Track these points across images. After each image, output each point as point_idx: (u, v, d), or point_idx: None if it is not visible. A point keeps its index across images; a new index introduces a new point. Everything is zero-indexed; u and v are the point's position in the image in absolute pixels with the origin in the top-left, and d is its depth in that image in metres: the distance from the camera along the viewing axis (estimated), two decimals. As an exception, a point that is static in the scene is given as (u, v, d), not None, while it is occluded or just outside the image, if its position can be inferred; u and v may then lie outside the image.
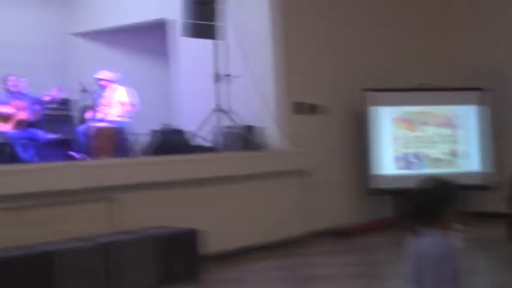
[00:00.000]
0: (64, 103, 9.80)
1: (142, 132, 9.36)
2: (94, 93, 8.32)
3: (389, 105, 8.84)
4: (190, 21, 7.72)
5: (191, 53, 8.67)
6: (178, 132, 8.04)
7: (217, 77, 7.83)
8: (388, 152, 8.76)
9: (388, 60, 9.08)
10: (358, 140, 8.75)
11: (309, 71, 8.24)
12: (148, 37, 10.40)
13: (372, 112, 8.69)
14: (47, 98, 8.02)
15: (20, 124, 7.88)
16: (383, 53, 9.03)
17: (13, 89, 7.95)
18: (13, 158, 7.71)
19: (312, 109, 8.34)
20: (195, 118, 7.95)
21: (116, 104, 8.36)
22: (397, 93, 8.92)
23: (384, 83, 8.79)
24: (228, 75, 7.77)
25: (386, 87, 8.80)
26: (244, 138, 7.76)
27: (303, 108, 8.25)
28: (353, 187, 8.66)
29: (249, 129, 7.88)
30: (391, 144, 8.78)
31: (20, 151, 7.68)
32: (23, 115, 7.90)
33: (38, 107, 8.04)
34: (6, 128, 7.77)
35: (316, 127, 8.30)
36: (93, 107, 8.37)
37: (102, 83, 8.34)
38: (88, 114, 8.37)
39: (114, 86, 8.46)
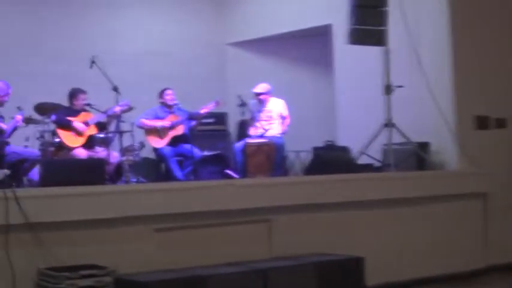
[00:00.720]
0: (220, 118, 10.39)
1: (302, 149, 9.63)
2: (252, 107, 8.72)
3: None
4: (356, 26, 7.76)
5: (356, 61, 8.76)
6: (343, 150, 8.12)
7: (388, 88, 7.77)
8: None
9: None
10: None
11: (489, 81, 7.99)
12: (308, 45, 10.63)
13: None
14: (202, 112, 8.51)
15: (175, 140, 8.43)
16: None
17: (169, 103, 8.53)
18: (167, 176, 8.29)
19: (499, 123, 8.08)
20: (360, 134, 8.00)
21: (275, 119, 8.70)
22: None
23: None
24: (400, 86, 7.71)
25: None
26: (418, 157, 7.69)
27: (487, 123, 8.02)
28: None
29: (423, 146, 7.78)
30: None
31: (174, 168, 8.22)
32: (178, 130, 8.44)
33: (193, 122, 8.54)
34: (161, 144, 8.34)
35: (502, 144, 8.02)
36: (251, 122, 8.79)
37: (261, 97, 8.71)
38: (246, 130, 8.78)
39: (273, 99, 8.81)
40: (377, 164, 7.74)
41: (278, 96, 8.90)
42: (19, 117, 7.41)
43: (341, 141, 8.96)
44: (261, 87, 8.74)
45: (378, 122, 7.79)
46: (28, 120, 7.63)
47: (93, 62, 7.69)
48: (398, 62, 7.74)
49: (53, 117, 7.72)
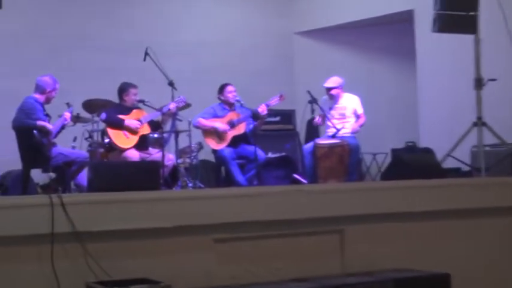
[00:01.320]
0: (287, 116, 10.38)
1: (380, 151, 9.54)
2: (323, 103, 8.66)
3: None
4: (442, 12, 7.64)
5: (442, 52, 8.65)
6: (426, 152, 8.03)
7: (478, 82, 7.62)
8: None
9: None
10: None
11: None
12: (386, 34, 10.56)
13: None
14: (264, 107, 8.47)
15: (237, 141, 8.44)
16: None
17: (231, 100, 8.54)
18: (228, 181, 8.32)
19: None
20: (445, 134, 7.90)
21: (349, 117, 8.62)
22: None
23: None
24: (493, 80, 7.54)
25: None
26: (512, 160, 7.54)
27: None
28: None
29: (519, 148, 7.64)
30: None
31: (235, 172, 8.24)
32: (240, 130, 8.45)
33: (257, 121, 8.54)
34: (220, 145, 8.37)
35: None
36: (322, 121, 8.74)
37: (333, 92, 8.64)
38: (316, 129, 8.73)
39: (346, 95, 8.74)
40: (465, 168, 7.62)
41: (352, 92, 8.82)
42: (68, 114, 7.54)
43: (424, 142, 8.86)
44: (333, 81, 8.68)
45: (467, 120, 7.67)
46: (76, 119, 7.77)
47: (146, 54, 7.75)
48: (490, 52, 7.60)
49: (103, 115, 7.82)
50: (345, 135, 8.45)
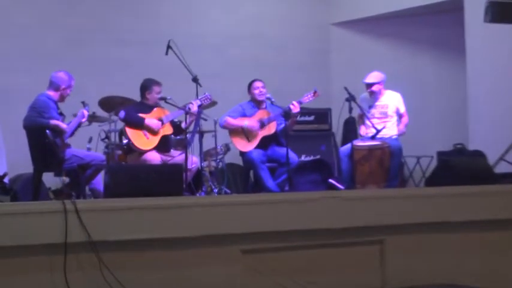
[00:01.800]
0: (322, 115, 10.36)
1: (424, 154, 9.48)
2: (362, 101, 8.62)
3: None
4: (496, 0, 7.59)
5: (494, 44, 8.57)
6: (476, 155, 7.96)
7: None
8: None
9: None
10: None
11: None
12: (433, 25, 10.49)
13: None
14: (297, 108, 8.38)
15: (267, 142, 8.42)
16: None
17: (259, 98, 8.53)
18: (257, 186, 8.30)
19: None
20: (498, 135, 7.84)
21: (390, 116, 8.57)
22: None
23: None
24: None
25: None
26: None
27: None
28: None
29: None
30: None
31: (265, 177, 8.22)
32: (270, 130, 8.43)
33: (289, 120, 8.48)
34: (249, 147, 8.35)
35: None
36: (360, 120, 8.71)
37: (374, 88, 8.58)
38: (354, 130, 8.69)
39: (388, 92, 8.69)
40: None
41: (394, 89, 8.77)
42: (85, 112, 7.56)
43: (474, 145, 8.78)
44: (374, 77, 8.63)
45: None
46: (92, 118, 7.81)
47: (169, 47, 7.75)
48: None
49: (122, 113, 7.84)
50: (386, 136, 8.40)
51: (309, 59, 10.93)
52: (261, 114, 8.46)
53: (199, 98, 7.88)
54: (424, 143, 9.60)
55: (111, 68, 9.79)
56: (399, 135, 8.55)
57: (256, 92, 8.51)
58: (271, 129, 8.40)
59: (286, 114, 8.19)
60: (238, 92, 8.96)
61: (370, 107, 8.60)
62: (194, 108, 7.81)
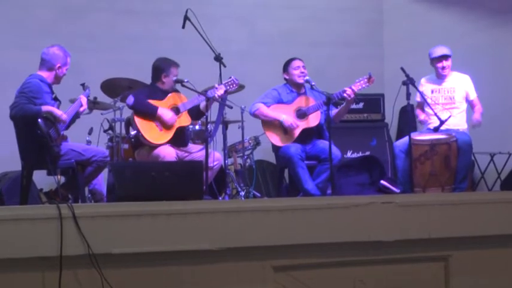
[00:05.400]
0: (374, 102, 10.33)
1: (500, 151, 9.41)
2: (421, 85, 8.60)
3: None
4: None
5: None
6: None
7: None
8: None
9: None
10: None
11: None
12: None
13: None
14: (349, 94, 8.23)
15: (307, 135, 8.41)
16: None
17: (298, 81, 8.44)
18: (294, 188, 8.30)
19: None
20: None
21: (459, 103, 8.52)
22: None
23: None
24: None
25: None
26: None
27: None
28: None
29: None
30: None
31: (303, 177, 8.20)
32: (311, 121, 8.40)
33: (334, 109, 8.46)
34: (285, 140, 8.32)
35: None
36: (421, 108, 8.70)
37: (447, 62, 8.55)
38: (412, 120, 8.66)
39: (454, 73, 8.65)
40: None
41: (463, 70, 8.72)
42: (84, 98, 7.53)
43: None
44: (439, 52, 8.57)
45: None
46: (93, 104, 7.83)
47: (186, 18, 7.75)
48: None
49: (130, 99, 7.82)
50: (452, 128, 8.35)
51: (357, 33, 10.93)
52: (301, 101, 8.43)
53: (223, 82, 7.85)
54: (500, 137, 9.52)
55: (116, 43, 9.83)
56: (474, 126, 8.45)
57: (296, 72, 8.47)
58: (313, 120, 8.36)
59: (332, 101, 8.12)
60: (269, 73, 8.97)
61: (433, 91, 8.54)
62: (219, 93, 7.79)
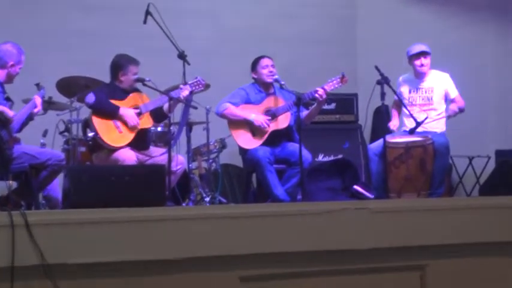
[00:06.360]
0: (346, 103, 10.36)
1: (478, 154, 9.47)
2: (400, 84, 8.65)
3: None
4: None
5: None
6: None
7: None
8: None
9: None
10: None
11: None
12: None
13: None
14: (320, 94, 8.22)
15: (276, 137, 8.37)
16: None
17: (267, 80, 8.44)
18: (261, 194, 8.29)
19: None
20: None
21: (437, 103, 8.56)
22: None
23: None
24: None
25: None
26: None
27: None
28: None
29: None
30: None
31: (272, 182, 8.18)
32: (281, 123, 8.37)
33: (304, 110, 8.43)
34: (253, 143, 8.26)
35: None
36: (397, 109, 8.72)
37: (427, 61, 8.59)
38: (387, 122, 8.68)
39: (433, 72, 8.68)
40: None
41: (441, 68, 8.76)
42: (38, 99, 7.49)
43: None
44: (417, 49, 8.63)
45: None
46: (48, 105, 7.79)
47: (148, 13, 7.74)
48: None
49: (91, 98, 7.76)
50: (430, 129, 8.39)
51: (328, 30, 10.94)
52: (270, 101, 8.44)
53: (189, 83, 7.83)
54: (479, 140, 9.59)
55: (72, 39, 9.78)
56: (449, 116, 8.51)
57: (265, 71, 8.49)
58: (282, 121, 8.36)
59: (303, 102, 8.16)
60: (236, 72, 8.97)
61: (410, 90, 8.57)
62: (184, 94, 7.77)
